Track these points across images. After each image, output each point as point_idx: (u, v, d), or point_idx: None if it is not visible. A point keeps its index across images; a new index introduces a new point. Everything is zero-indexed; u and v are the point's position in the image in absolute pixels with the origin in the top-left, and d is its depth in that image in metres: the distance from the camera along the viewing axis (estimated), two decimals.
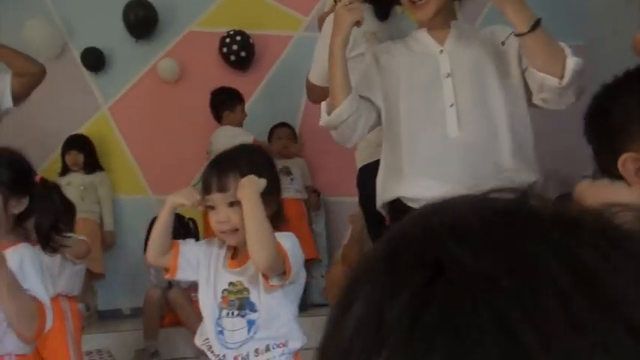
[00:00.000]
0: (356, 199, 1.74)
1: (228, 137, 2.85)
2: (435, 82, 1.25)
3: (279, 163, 3.21)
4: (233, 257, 1.24)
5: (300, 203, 3.22)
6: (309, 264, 3.12)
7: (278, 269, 1.12)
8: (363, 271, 0.25)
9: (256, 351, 1.16)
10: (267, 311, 1.17)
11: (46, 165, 3.30)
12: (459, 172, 1.19)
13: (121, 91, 3.54)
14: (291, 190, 3.17)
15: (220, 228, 1.19)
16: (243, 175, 1.15)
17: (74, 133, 3.35)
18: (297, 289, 1.23)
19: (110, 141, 3.47)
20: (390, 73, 1.31)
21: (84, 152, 3.24)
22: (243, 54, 3.42)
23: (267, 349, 1.16)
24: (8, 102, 1.99)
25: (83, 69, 3.50)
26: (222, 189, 1.16)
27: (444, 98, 1.23)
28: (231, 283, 1.20)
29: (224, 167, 1.19)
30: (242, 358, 1.16)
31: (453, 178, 1.16)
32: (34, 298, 1.16)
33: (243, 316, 1.17)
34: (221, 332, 1.18)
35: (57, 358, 1.85)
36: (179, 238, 1.28)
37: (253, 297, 1.17)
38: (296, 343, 1.18)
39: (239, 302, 1.18)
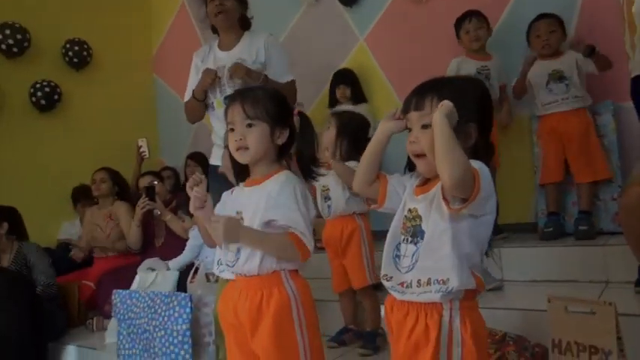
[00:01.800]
0: None
1: None
2: None
3: (547, 65, 2.77)
4: (422, 185, 1.20)
5: (582, 113, 2.74)
6: (594, 185, 2.68)
7: (467, 188, 1.03)
8: None
9: (419, 282, 1.10)
10: (429, 240, 1.10)
11: (319, 98, 3.65)
12: None
13: (373, 21, 3.59)
14: (568, 102, 2.74)
15: (411, 149, 1.17)
16: (441, 99, 1.10)
17: (340, 67, 3.59)
18: (482, 228, 1.10)
19: (370, 72, 3.60)
20: None
21: (350, 85, 3.45)
22: None
23: (428, 283, 1.09)
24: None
25: (340, 5, 3.66)
26: (418, 107, 1.15)
27: None
28: (409, 210, 1.18)
29: (424, 89, 1.17)
30: (406, 285, 1.12)
31: None
32: (284, 234, 1.29)
33: (415, 244, 1.14)
34: (397, 257, 1.17)
35: (354, 267, 2.15)
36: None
37: (424, 225, 1.13)
38: (460, 284, 1.06)
39: (413, 229, 1.15)
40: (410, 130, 1.18)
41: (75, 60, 4.19)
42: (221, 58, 2.31)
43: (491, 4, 3.15)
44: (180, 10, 4.66)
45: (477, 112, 1.15)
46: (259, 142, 1.34)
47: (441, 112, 1.07)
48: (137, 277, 2.50)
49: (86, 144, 4.14)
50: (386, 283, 1.19)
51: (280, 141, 1.37)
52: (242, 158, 1.37)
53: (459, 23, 3.02)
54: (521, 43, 2.95)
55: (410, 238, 1.15)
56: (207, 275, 2.30)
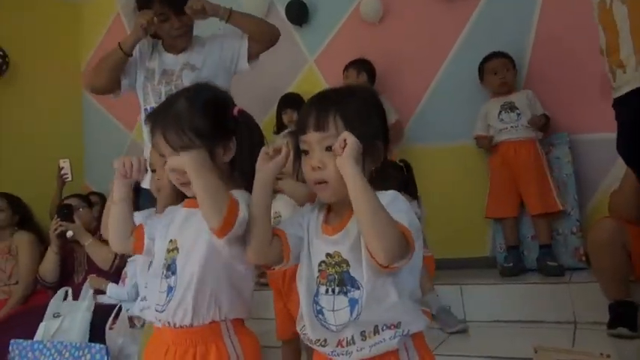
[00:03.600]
0: (610, 135, 1.25)
1: None
2: None
3: (500, 100, 2.75)
4: (327, 220, 1.02)
5: (531, 144, 2.70)
6: (550, 218, 2.59)
7: (404, 252, 0.90)
8: None
9: (362, 334, 0.94)
10: (370, 290, 0.93)
11: (266, 119, 3.44)
12: None
13: (325, 42, 3.46)
14: (518, 129, 2.70)
15: (314, 177, 0.98)
16: (346, 117, 0.96)
17: (286, 90, 3.42)
18: (416, 258, 0.94)
19: None
20: None
21: (298, 110, 3.24)
22: None
23: (376, 332, 0.94)
24: (244, 64, 2.20)
25: (289, 24, 3.48)
26: (319, 127, 0.97)
27: None
28: (328, 255, 0.98)
29: (324, 104, 0.99)
30: (347, 342, 0.94)
31: None
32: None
33: (346, 294, 0.95)
34: (320, 312, 0.97)
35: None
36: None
37: (354, 271, 0.95)
38: (413, 325, 0.95)
39: (338, 277, 0.96)
40: (304, 152, 0.99)
41: None
42: (168, 62, 2.10)
43: (445, 34, 3.09)
44: (114, 24, 4.30)
45: (382, 126, 1.03)
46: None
47: (350, 160, 0.89)
48: (42, 324, 2.07)
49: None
50: (322, 350, 0.97)
51: (227, 157, 1.08)
52: (189, 193, 1.09)
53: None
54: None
55: (337, 288, 0.96)
56: (131, 319, 1.92)
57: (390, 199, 0.94)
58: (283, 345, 1.93)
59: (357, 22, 3.35)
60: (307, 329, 0.99)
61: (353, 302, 0.94)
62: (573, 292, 2.20)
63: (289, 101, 3.28)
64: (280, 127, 3.29)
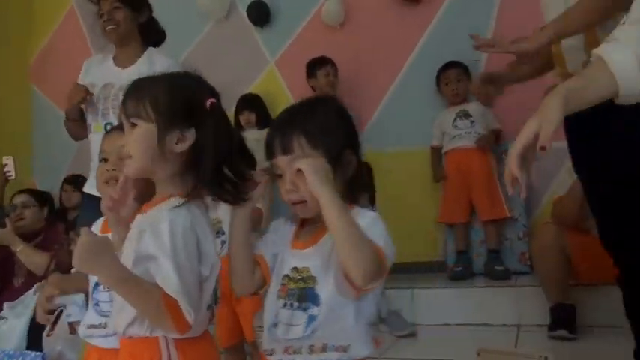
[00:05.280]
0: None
1: None
2: None
3: (456, 108, 2.81)
4: (299, 234, 1.01)
5: (483, 153, 2.78)
6: (499, 224, 2.67)
7: (378, 273, 0.89)
8: None
9: (310, 348, 0.94)
10: (331, 309, 0.93)
11: None
12: None
13: (285, 44, 3.45)
14: (472, 136, 2.78)
15: (289, 198, 0.97)
16: (309, 137, 0.95)
17: (246, 91, 3.38)
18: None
19: (279, 97, 3.41)
20: None
21: (255, 111, 3.23)
22: None
23: (324, 350, 0.94)
24: None
25: (250, 25, 3.47)
26: (285, 151, 0.95)
27: None
28: (295, 269, 0.97)
29: (286, 128, 0.97)
30: (294, 350, 0.94)
31: None
32: (157, 290, 0.89)
33: (304, 310, 0.94)
34: (275, 324, 0.97)
35: (248, 316, 1.84)
36: None
37: (320, 288, 0.94)
38: (360, 351, 0.94)
39: (300, 292, 0.95)
40: (278, 176, 0.98)
41: None
42: (113, 75, 1.95)
43: (405, 40, 3.14)
44: (69, 14, 4.16)
45: (349, 135, 1.01)
46: (141, 149, 0.94)
47: (316, 185, 0.89)
48: None
49: None
50: (269, 358, 0.97)
51: (180, 148, 0.94)
52: (126, 169, 0.98)
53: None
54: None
55: (296, 304, 0.95)
56: (71, 325, 1.83)
57: (370, 221, 0.93)
58: (227, 353, 1.88)
59: (319, 26, 3.36)
60: (263, 337, 0.99)
61: (311, 319, 0.94)
62: (518, 296, 2.28)
63: (247, 102, 3.24)
64: (238, 128, 3.25)
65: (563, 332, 1.96)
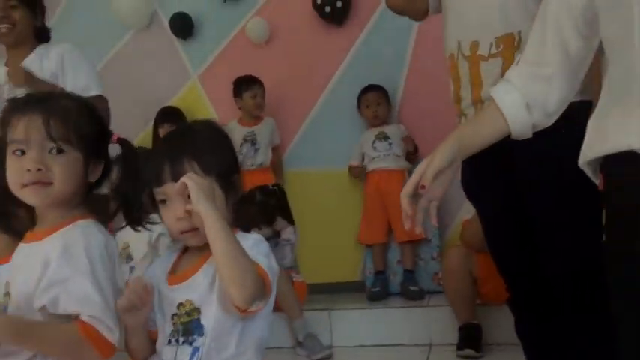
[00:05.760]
0: None
1: None
2: None
3: (375, 130, 2.90)
4: (175, 268, 0.98)
5: (401, 174, 2.87)
6: (415, 244, 2.76)
7: (261, 295, 0.89)
8: None
9: None
10: (214, 337, 0.90)
11: (140, 136, 3.26)
12: None
13: (209, 58, 3.38)
14: (390, 158, 2.85)
15: (180, 227, 0.94)
16: (201, 162, 0.94)
17: (167, 104, 3.29)
18: (268, 306, 0.95)
19: (201, 111, 3.34)
20: None
21: (176, 125, 3.11)
22: (339, 4, 3.09)
23: None
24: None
25: (173, 37, 3.38)
26: (176, 177, 0.93)
27: None
28: (180, 305, 0.93)
29: (175, 153, 0.96)
30: None
31: None
32: (72, 326, 0.88)
33: (190, 343, 0.91)
34: None
35: None
36: None
37: (205, 318, 0.91)
38: None
39: (184, 326, 0.92)
40: (161, 202, 0.95)
41: None
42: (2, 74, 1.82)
43: (328, 62, 3.19)
44: None
45: (235, 159, 1.03)
46: (68, 177, 0.93)
47: (200, 202, 0.88)
48: None
49: None
50: None
51: (93, 177, 0.99)
52: (36, 198, 0.92)
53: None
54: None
55: (182, 339, 0.92)
56: None
57: (253, 242, 0.93)
58: None
59: (244, 42, 3.33)
60: None
61: (195, 351, 0.90)
62: (430, 315, 2.35)
63: (166, 115, 3.14)
64: (156, 141, 3.15)
65: (470, 352, 2.05)
